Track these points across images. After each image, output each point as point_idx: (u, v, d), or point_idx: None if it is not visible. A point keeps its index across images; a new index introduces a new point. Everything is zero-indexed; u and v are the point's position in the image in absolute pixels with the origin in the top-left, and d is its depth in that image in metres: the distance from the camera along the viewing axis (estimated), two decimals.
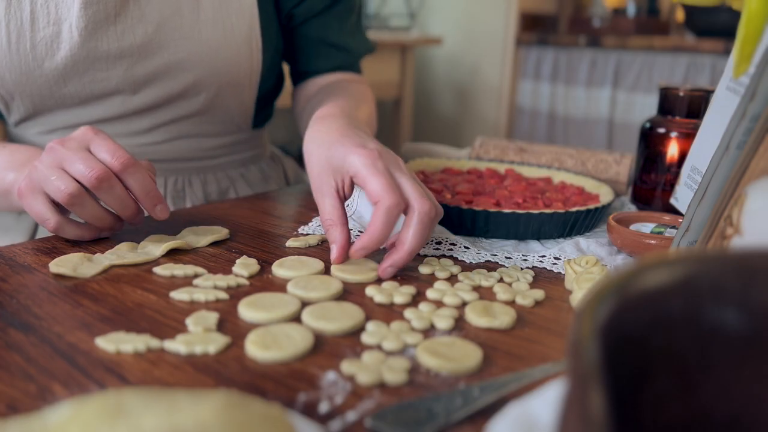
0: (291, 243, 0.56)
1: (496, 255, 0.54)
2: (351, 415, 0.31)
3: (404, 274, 0.49)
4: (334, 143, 0.52)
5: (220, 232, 0.56)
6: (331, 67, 0.82)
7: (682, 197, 0.58)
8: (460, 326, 0.41)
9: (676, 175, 0.66)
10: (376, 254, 0.53)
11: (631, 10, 2.64)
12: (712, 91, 0.65)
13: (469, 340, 0.38)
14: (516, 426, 0.27)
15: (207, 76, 0.70)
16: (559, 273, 0.52)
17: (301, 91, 0.85)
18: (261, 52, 0.72)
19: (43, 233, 0.74)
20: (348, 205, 0.66)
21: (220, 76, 0.71)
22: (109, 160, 0.50)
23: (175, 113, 0.72)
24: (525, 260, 0.54)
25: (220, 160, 0.79)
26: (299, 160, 0.90)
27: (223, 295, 0.44)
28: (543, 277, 0.51)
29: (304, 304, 0.43)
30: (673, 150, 0.66)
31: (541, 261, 0.54)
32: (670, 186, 0.67)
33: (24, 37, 0.63)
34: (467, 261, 0.53)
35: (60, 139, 0.52)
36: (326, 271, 0.50)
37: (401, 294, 0.44)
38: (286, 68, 0.87)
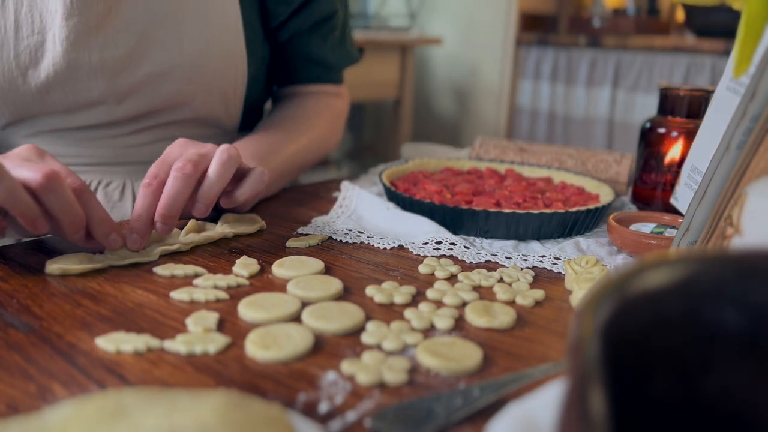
0: (291, 243, 0.56)
1: (496, 255, 0.54)
2: (351, 415, 0.31)
3: (404, 274, 0.50)
4: None
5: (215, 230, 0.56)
6: (311, 79, 0.86)
7: (682, 197, 0.58)
8: (460, 326, 0.41)
9: (676, 175, 0.66)
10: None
11: (631, 10, 2.64)
12: (712, 91, 0.65)
13: (469, 340, 0.38)
14: (516, 426, 0.27)
15: (190, 88, 0.70)
16: (559, 273, 0.52)
17: (279, 94, 0.88)
18: (246, 64, 0.73)
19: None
20: (346, 206, 0.66)
21: (203, 87, 0.71)
22: (71, 180, 0.48)
23: (160, 120, 0.73)
24: (525, 260, 0.54)
25: None
26: None
27: (223, 295, 0.44)
28: (543, 277, 0.51)
29: (304, 304, 0.43)
30: (673, 150, 0.66)
31: (541, 261, 0.54)
32: (670, 186, 0.67)
33: (7, 45, 0.63)
34: (467, 261, 0.53)
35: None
36: (327, 271, 0.50)
37: (401, 294, 0.44)
38: None
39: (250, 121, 0.83)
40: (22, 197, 0.45)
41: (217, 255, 0.53)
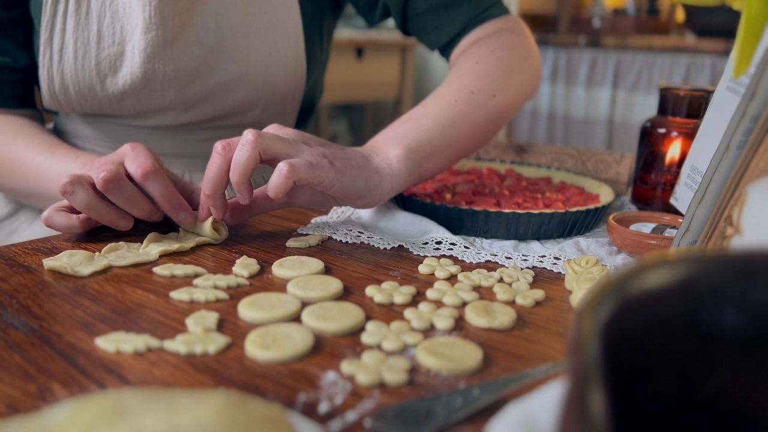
0: (291, 243, 0.56)
1: (496, 255, 0.54)
2: (351, 415, 0.31)
3: (404, 274, 0.50)
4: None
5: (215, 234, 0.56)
6: (457, 31, 0.73)
7: (682, 197, 0.58)
8: (460, 326, 0.41)
9: (676, 175, 0.66)
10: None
11: (631, 10, 2.64)
12: (712, 91, 0.65)
13: (469, 340, 0.38)
14: (516, 426, 0.27)
15: (254, 96, 0.73)
16: (559, 273, 0.52)
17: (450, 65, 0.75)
18: (305, 72, 0.76)
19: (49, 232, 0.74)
20: (346, 206, 0.66)
21: (266, 95, 0.74)
22: (133, 169, 0.52)
23: (222, 124, 0.76)
24: (525, 260, 0.54)
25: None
26: None
27: (223, 295, 0.44)
28: (543, 277, 0.51)
29: (304, 304, 0.43)
30: (673, 150, 0.66)
31: (541, 261, 0.54)
32: (670, 186, 0.67)
33: (89, 53, 0.67)
34: (467, 261, 0.53)
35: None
36: (327, 271, 0.50)
37: (401, 294, 0.44)
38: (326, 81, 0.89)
39: (303, 117, 0.86)
40: (96, 206, 0.52)
41: (217, 255, 0.53)
